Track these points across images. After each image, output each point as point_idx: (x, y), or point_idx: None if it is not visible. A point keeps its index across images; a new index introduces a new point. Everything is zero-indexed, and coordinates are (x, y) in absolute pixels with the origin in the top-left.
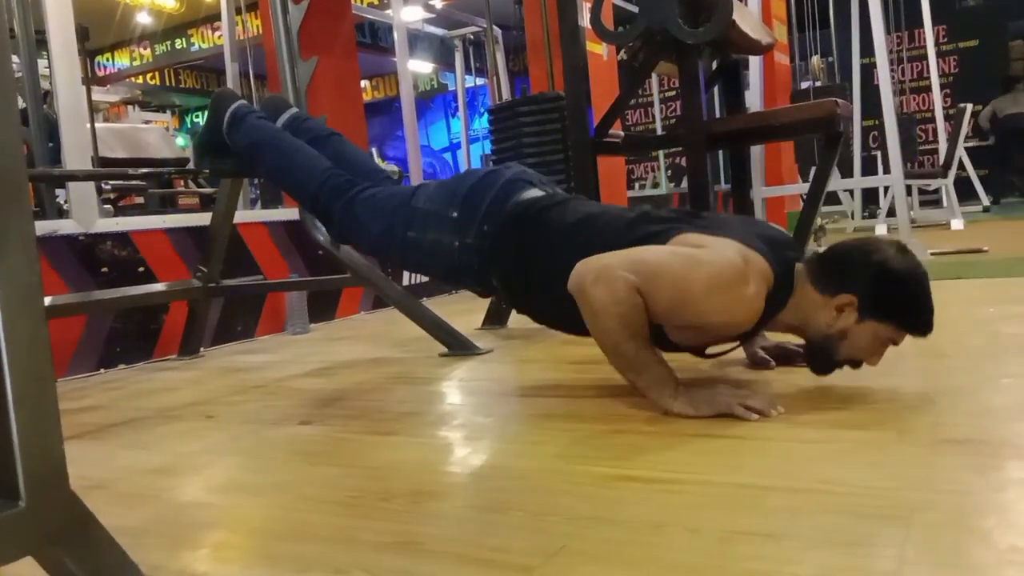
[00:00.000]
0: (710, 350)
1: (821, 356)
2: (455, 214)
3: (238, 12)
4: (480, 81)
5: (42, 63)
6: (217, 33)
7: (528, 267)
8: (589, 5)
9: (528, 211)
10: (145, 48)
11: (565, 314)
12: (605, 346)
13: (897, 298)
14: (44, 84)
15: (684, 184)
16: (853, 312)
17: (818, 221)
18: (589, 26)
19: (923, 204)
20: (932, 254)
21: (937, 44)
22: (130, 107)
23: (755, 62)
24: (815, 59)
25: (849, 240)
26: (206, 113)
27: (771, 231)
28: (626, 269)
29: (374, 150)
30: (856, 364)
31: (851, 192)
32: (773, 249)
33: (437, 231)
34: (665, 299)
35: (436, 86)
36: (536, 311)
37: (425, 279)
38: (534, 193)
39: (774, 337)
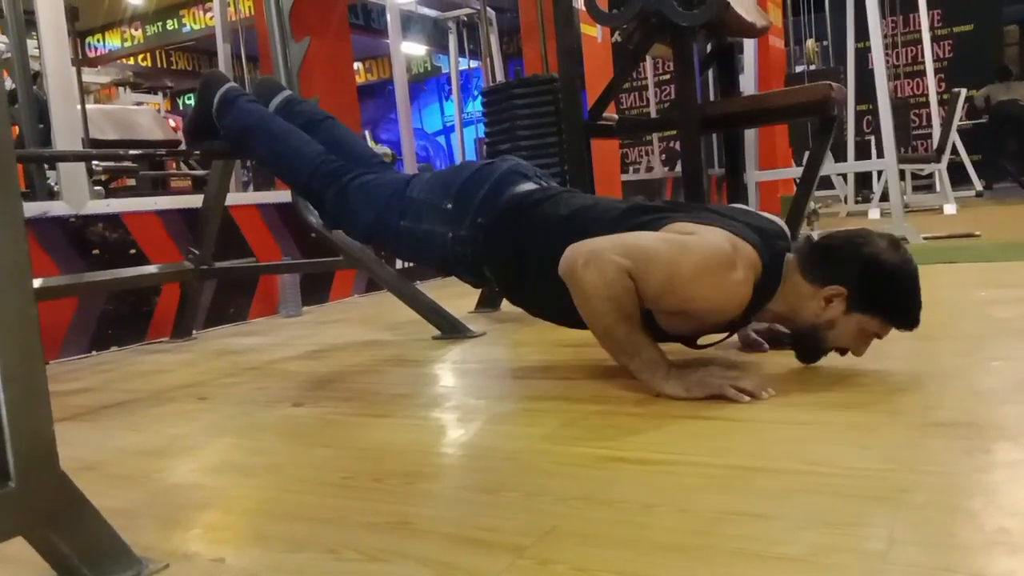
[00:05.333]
0: (701, 340)
1: (808, 344)
2: (450, 205)
3: None
4: (474, 63)
5: (32, 43)
6: (209, 14)
7: (521, 259)
8: None
9: (522, 204)
10: (136, 29)
11: (558, 305)
12: (596, 329)
13: (885, 293)
14: (34, 65)
15: (678, 168)
16: (841, 303)
17: (811, 205)
18: (583, 8)
19: (916, 189)
20: (925, 238)
21: (932, 28)
22: (121, 88)
23: (750, 45)
24: (810, 43)
25: (841, 231)
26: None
27: (763, 221)
28: (616, 252)
29: (367, 133)
30: (842, 352)
31: (844, 176)
32: (764, 239)
33: (431, 221)
34: (655, 283)
35: (430, 68)
36: (528, 302)
37: None
38: (528, 186)
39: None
